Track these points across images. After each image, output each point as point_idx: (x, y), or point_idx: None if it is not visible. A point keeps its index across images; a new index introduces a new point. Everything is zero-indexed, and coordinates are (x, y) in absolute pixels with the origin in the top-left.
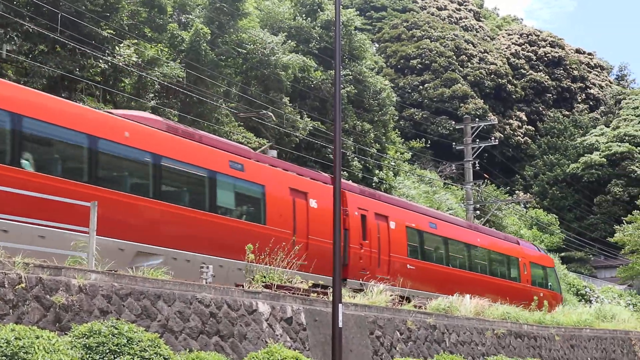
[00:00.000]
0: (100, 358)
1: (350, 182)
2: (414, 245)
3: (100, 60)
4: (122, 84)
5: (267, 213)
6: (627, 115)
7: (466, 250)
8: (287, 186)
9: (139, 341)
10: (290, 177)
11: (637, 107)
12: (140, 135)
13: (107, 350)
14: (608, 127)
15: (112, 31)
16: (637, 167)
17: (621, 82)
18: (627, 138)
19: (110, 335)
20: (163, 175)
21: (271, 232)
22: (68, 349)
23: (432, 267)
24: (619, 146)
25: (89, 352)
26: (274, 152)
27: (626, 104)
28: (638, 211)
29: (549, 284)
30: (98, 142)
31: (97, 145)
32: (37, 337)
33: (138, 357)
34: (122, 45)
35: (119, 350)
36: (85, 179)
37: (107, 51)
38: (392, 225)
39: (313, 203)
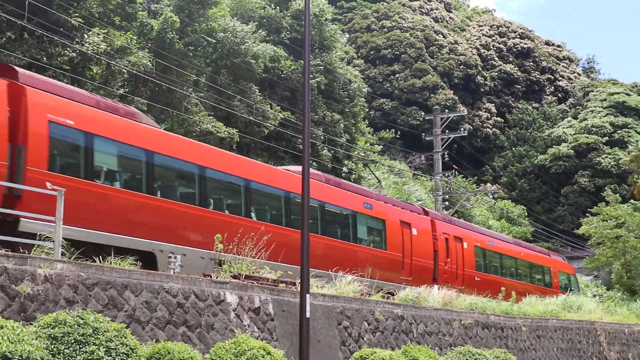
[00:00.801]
0: (65, 348)
1: (436, 212)
2: (478, 261)
3: (69, 49)
4: (91, 73)
5: (387, 241)
6: (595, 107)
7: (514, 262)
8: (398, 219)
9: (105, 331)
10: (399, 212)
11: (605, 99)
12: (313, 188)
13: (73, 341)
14: (576, 118)
15: (80, 19)
16: (603, 158)
17: (589, 74)
18: (594, 130)
19: (75, 326)
20: (326, 217)
21: (389, 255)
22: (33, 339)
23: (491, 278)
24: (586, 138)
25: (54, 342)
26: (384, 192)
27: (594, 96)
28: (604, 203)
29: (572, 288)
30: (290, 194)
31: (290, 197)
32: (2, 327)
33: (104, 347)
34: (90, 33)
35: (84, 341)
36: (284, 223)
37: (75, 39)
38: (465, 245)
39: (414, 231)
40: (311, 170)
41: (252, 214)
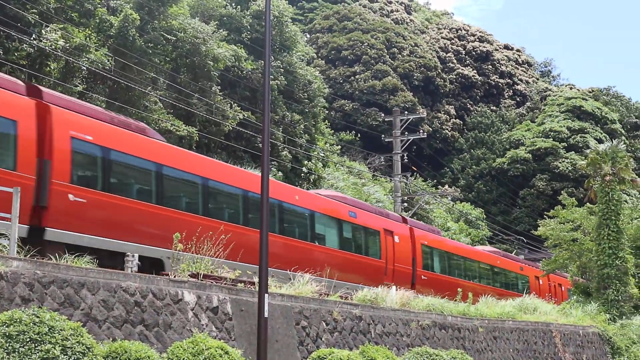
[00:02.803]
0: (21, 347)
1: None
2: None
3: (26, 44)
4: (49, 69)
5: (530, 288)
6: (552, 111)
7: None
8: (534, 274)
9: (61, 330)
10: (532, 269)
11: (562, 104)
12: (501, 261)
13: (28, 339)
14: (534, 122)
15: (38, 15)
16: (560, 162)
17: (546, 78)
18: (551, 134)
19: (31, 324)
20: (508, 279)
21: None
22: None
23: None
24: (544, 142)
25: (9, 340)
26: (522, 256)
27: (551, 100)
28: (560, 206)
29: None
30: (494, 268)
31: (494, 269)
32: None
33: (60, 346)
34: (48, 29)
35: (40, 339)
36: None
37: (33, 35)
38: (563, 288)
39: (541, 282)
40: (494, 248)
41: (467, 278)
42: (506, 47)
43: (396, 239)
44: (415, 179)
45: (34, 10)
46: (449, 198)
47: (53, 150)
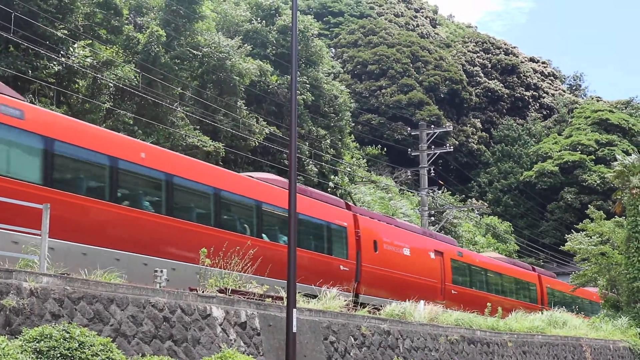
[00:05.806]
0: None
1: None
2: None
3: (54, 62)
4: (76, 86)
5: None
6: (579, 124)
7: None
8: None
9: (90, 345)
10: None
11: (589, 117)
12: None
13: (59, 355)
14: (561, 135)
15: (66, 32)
16: (588, 176)
17: (575, 92)
18: (579, 147)
19: (61, 340)
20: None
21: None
22: (18, 353)
23: None
24: (571, 155)
25: (39, 356)
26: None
27: (578, 113)
28: (588, 219)
29: None
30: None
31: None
32: None
33: None
34: (76, 45)
35: (70, 355)
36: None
37: (61, 52)
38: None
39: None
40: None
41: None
42: (532, 60)
43: None
44: (442, 193)
45: (62, 27)
46: (476, 212)
47: (544, 295)
